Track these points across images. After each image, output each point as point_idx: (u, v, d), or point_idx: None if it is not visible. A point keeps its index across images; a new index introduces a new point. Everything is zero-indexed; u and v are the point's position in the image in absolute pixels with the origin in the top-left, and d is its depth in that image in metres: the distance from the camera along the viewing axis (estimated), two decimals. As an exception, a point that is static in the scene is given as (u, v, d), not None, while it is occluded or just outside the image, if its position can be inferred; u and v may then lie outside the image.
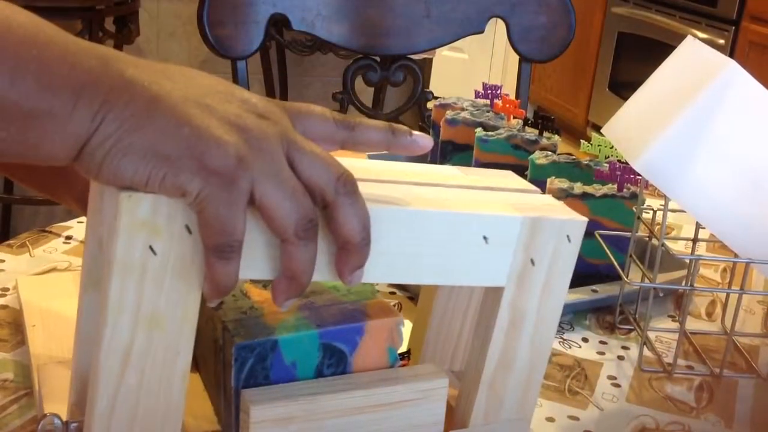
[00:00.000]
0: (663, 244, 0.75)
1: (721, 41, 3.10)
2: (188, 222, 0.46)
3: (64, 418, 0.53)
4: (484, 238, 0.54)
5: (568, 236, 0.57)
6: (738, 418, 0.72)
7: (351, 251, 0.48)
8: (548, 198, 0.61)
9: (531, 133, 0.99)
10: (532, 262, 0.57)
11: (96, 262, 0.51)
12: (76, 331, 0.53)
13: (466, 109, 1.07)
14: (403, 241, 0.52)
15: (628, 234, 0.84)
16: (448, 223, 0.53)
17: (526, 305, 0.58)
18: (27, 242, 0.89)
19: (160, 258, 0.46)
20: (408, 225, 0.52)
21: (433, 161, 1.13)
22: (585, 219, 0.58)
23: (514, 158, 0.98)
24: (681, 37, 0.78)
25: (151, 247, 0.45)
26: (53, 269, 0.84)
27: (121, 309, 0.46)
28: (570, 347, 0.81)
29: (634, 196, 0.87)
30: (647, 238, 0.91)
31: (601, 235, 0.84)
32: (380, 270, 0.52)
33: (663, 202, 0.75)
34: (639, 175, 0.84)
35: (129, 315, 0.46)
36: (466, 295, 0.64)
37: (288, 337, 0.52)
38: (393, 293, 0.87)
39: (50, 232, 0.93)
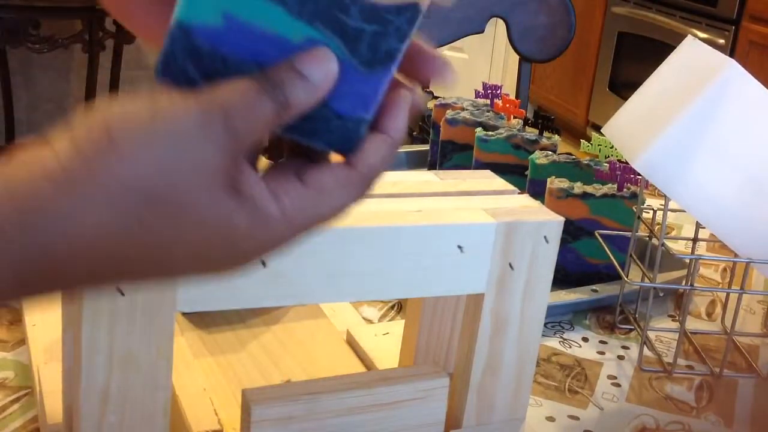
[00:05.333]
0: (663, 244, 0.75)
1: (721, 41, 3.10)
2: None
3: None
4: (459, 247, 0.54)
5: (545, 237, 0.57)
6: (738, 418, 0.72)
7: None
8: (525, 198, 0.61)
9: (531, 132, 0.99)
10: (511, 266, 0.57)
11: (69, 304, 0.51)
12: (63, 365, 0.53)
13: (467, 109, 1.07)
14: (376, 259, 0.52)
15: (628, 234, 0.84)
16: (421, 236, 0.53)
17: (508, 309, 0.58)
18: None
19: (128, 298, 0.46)
20: (380, 242, 0.51)
21: (433, 161, 1.13)
22: (561, 219, 0.58)
23: (515, 158, 0.98)
24: (681, 37, 0.78)
25: (118, 288, 0.45)
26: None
27: (95, 351, 0.46)
28: (570, 347, 0.81)
29: (634, 196, 0.87)
30: (647, 238, 0.91)
31: (601, 235, 0.84)
32: (355, 289, 0.52)
33: (663, 202, 0.75)
34: (639, 174, 0.84)
35: (103, 357, 0.46)
36: (454, 297, 0.64)
37: None
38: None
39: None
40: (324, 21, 0.37)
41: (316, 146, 0.40)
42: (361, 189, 0.39)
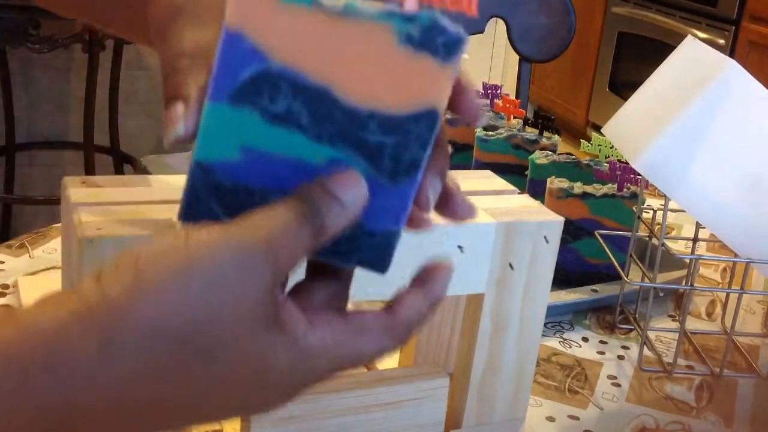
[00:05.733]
0: (663, 244, 0.75)
1: (721, 41, 3.10)
2: None
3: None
4: (459, 247, 0.54)
5: (545, 237, 0.57)
6: (738, 418, 0.72)
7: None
8: (525, 198, 0.61)
9: (531, 132, 0.99)
10: (511, 266, 0.57)
11: None
12: None
13: (466, 109, 1.07)
14: None
15: (628, 234, 0.84)
16: (421, 236, 0.53)
17: (508, 309, 0.58)
18: (26, 242, 0.89)
19: None
20: None
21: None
22: (561, 219, 0.58)
23: (515, 158, 0.98)
24: (681, 37, 0.78)
25: None
26: (53, 267, 0.84)
27: None
28: (570, 347, 0.81)
29: (634, 196, 0.87)
30: (647, 238, 0.91)
31: (601, 235, 0.84)
32: (355, 288, 0.52)
33: (663, 202, 0.75)
34: (639, 174, 0.84)
35: None
36: (454, 297, 0.64)
37: None
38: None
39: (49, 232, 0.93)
40: (344, 140, 0.36)
41: (348, 266, 0.39)
42: (400, 336, 0.38)
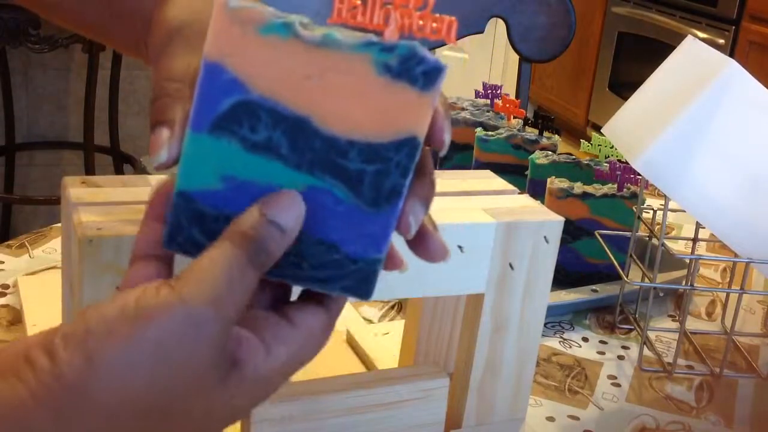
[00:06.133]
0: (663, 244, 0.75)
1: (721, 41, 3.10)
2: None
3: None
4: (459, 247, 0.54)
5: (545, 237, 0.57)
6: (738, 418, 0.72)
7: None
8: (525, 198, 0.61)
9: (531, 132, 0.99)
10: (511, 266, 0.57)
11: (69, 304, 0.51)
12: None
13: (467, 109, 1.07)
14: None
15: (628, 234, 0.84)
16: None
17: (508, 309, 0.58)
18: (26, 242, 0.89)
19: None
20: None
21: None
22: (561, 219, 0.58)
23: (515, 158, 0.98)
24: (681, 37, 0.78)
25: (118, 288, 0.45)
26: (53, 267, 0.84)
27: None
28: (570, 347, 0.81)
29: (634, 196, 0.87)
30: (647, 238, 0.91)
31: (601, 235, 0.84)
32: None
33: (663, 202, 0.75)
34: (639, 174, 0.84)
35: None
36: (454, 297, 0.64)
37: None
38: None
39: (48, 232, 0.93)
40: (324, 168, 0.37)
41: (331, 293, 0.39)
42: (331, 332, 0.40)
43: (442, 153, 0.40)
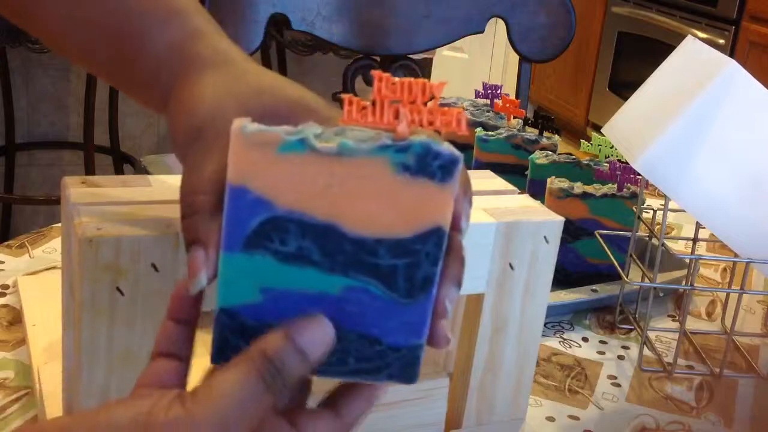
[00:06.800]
0: (663, 244, 0.75)
1: (721, 41, 3.10)
2: (154, 260, 0.45)
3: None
4: None
5: (545, 237, 0.57)
6: (738, 418, 0.72)
7: None
8: (525, 198, 0.61)
9: (531, 132, 0.99)
10: (511, 266, 0.57)
11: (69, 304, 0.51)
12: (63, 365, 0.53)
13: (467, 109, 1.07)
14: None
15: (628, 234, 0.84)
16: None
17: (508, 309, 0.58)
18: (26, 242, 0.89)
19: (128, 298, 0.46)
20: None
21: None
22: (561, 219, 0.58)
23: (515, 158, 0.98)
24: (681, 37, 0.78)
25: (118, 288, 0.45)
26: (53, 267, 0.84)
27: (95, 351, 0.46)
28: (570, 347, 0.81)
29: (634, 196, 0.87)
30: (647, 238, 0.91)
31: (601, 235, 0.84)
32: None
33: (663, 202, 0.75)
34: (639, 174, 0.84)
35: (103, 356, 0.46)
36: None
37: None
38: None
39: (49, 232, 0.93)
40: (357, 268, 0.38)
41: (377, 382, 0.40)
42: None
43: (462, 237, 0.41)
